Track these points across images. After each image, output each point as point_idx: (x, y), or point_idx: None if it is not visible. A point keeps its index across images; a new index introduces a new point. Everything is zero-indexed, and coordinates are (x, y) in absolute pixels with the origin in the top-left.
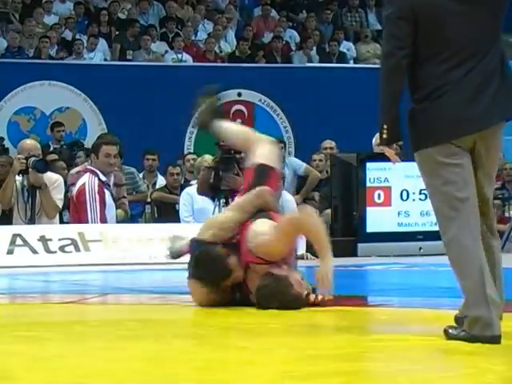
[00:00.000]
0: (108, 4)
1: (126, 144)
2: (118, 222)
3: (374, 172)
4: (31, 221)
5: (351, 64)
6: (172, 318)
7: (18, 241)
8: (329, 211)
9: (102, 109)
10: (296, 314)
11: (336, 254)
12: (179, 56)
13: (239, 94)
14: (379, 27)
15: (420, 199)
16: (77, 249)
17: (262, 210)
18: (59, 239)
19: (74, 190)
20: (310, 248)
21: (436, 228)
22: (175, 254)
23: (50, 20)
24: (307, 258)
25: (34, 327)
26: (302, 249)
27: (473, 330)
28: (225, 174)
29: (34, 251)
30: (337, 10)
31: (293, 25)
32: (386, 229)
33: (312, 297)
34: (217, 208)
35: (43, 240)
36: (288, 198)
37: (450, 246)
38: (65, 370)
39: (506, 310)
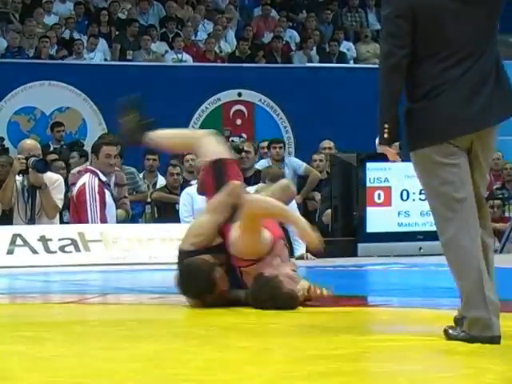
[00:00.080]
0: (108, 4)
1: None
2: (119, 222)
3: (374, 172)
4: (31, 221)
5: (351, 64)
6: (172, 317)
7: (18, 241)
8: (329, 211)
9: (101, 109)
10: (296, 314)
11: (336, 254)
12: (179, 56)
13: (239, 94)
14: (379, 27)
15: (420, 199)
16: (77, 249)
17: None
18: (59, 239)
19: (75, 189)
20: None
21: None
22: None
23: (50, 20)
24: (307, 258)
25: (34, 327)
26: (302, 249)
27: (472, 330)
28: None
29: (34, 251)
30: (337, 9)
31: (293, 25)
32: (386, 229)
33: (312, 289)
34: None
35: (43, 240)
36: None
37: (448, 246)
38: (65, 370)
39: (506, 310)
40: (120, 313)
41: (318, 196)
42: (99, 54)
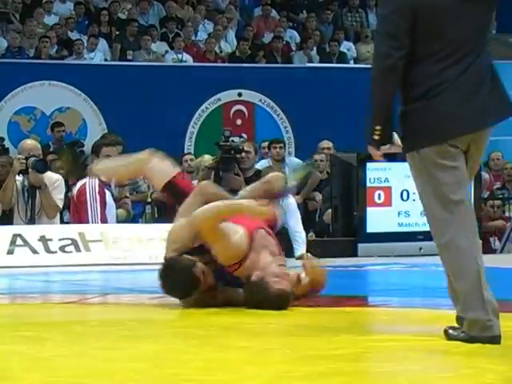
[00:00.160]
0: (108, 4)
1: (126, 144)
2: (120, 221)
3: (374, 172)
4: (31, 221)
5: (351, 64)
6: (172, 318)
7: (19, 241)
8: (329, 211)
9: (102, 109)
10: (296, 314)
11: (336, 254)
12: (179, 56)
13: (239, 94)
14: None
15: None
16: (77, 249)
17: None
18: (59, 239)
19: (75, 189)
20: (310, 248)
21: None
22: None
23: (50, 20)
24: (307, 258)
25: (34, 327)
26: (302, 249)
27: (472, 331)
28: (225, 174)
29: (35, 251)
30: (337, 10)
31: (293, 25)
32: (386, 229)
33: (302, 277)
34: None
35: (43, 240)
36: (290, 201)
37: (447, 249)
38: (65, 370)
39: (506, 310)
40: (120, 313)
41: (318, 196)
42: (99, 54)
